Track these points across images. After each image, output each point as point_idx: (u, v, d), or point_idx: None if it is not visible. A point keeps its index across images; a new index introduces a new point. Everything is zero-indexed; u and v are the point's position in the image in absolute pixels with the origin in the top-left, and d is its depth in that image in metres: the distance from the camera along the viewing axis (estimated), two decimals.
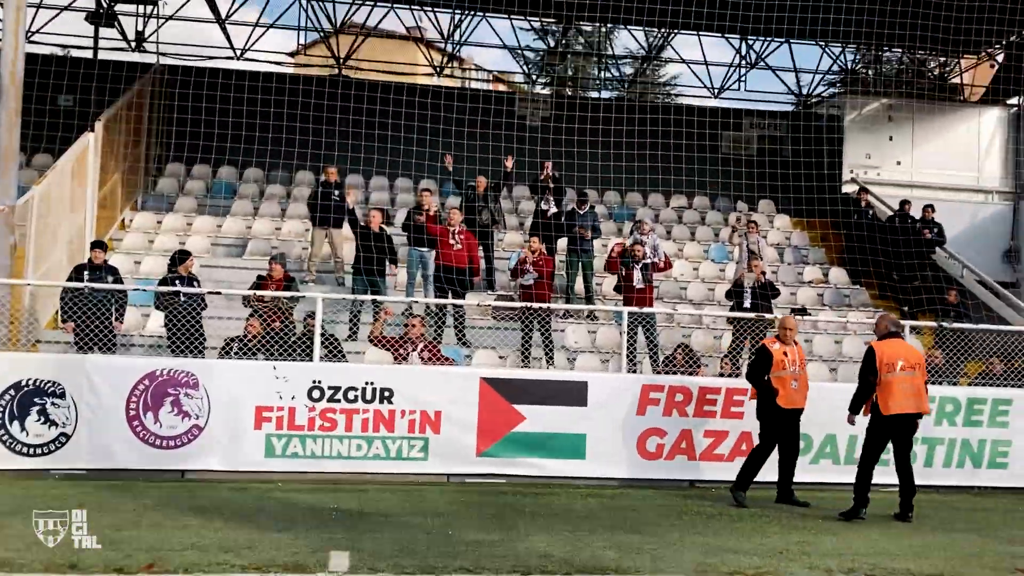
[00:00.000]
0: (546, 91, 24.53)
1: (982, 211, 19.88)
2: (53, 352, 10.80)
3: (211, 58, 19.30)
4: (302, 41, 22.02)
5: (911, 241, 16.15)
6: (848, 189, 18.84)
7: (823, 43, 20.46)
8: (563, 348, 12.99)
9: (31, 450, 8.99)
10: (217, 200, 16.52)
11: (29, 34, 15.80)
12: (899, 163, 19.80)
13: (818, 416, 9.55)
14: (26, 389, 8.99)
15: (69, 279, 11.12)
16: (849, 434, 10.03)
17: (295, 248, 15.17)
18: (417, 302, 12.18)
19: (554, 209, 14.31)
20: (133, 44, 19.24)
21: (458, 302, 12.38)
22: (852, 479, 9.68)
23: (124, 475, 9.01)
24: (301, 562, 6.02)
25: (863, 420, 8.78)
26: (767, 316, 11.77)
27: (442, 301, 12.27)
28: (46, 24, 18.65)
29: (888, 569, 6.55)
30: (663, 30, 20.24)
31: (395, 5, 19.47)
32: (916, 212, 16.83)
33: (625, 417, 9.93)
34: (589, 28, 23.82)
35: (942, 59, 21.57)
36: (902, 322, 9.91)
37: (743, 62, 20.65)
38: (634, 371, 10.99)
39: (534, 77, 25.30)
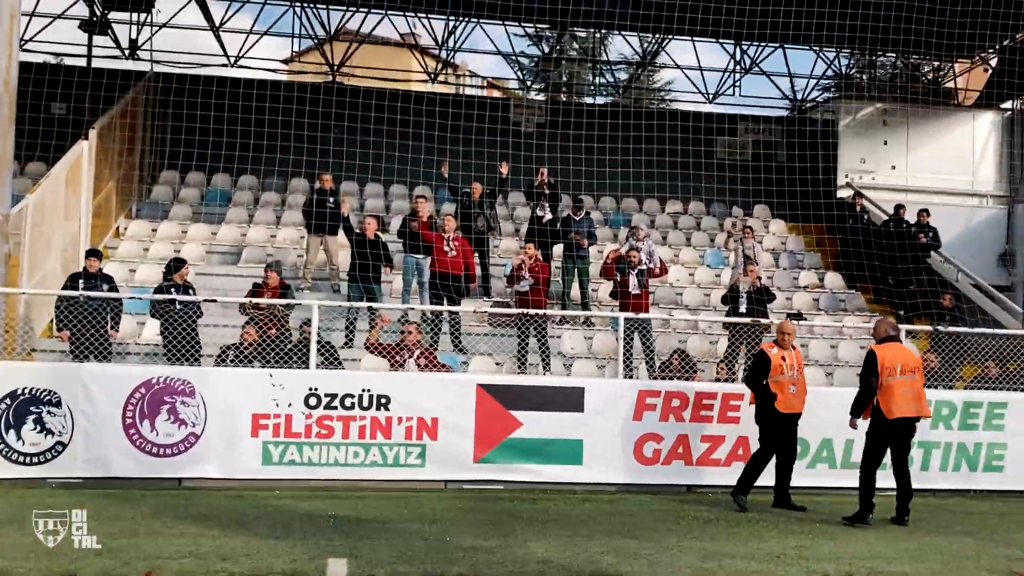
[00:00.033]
0: (541, 97, 24.56)
1: (977, 215, 19.97)
2: (49, 361, 10.78)
3: (205, 66, 19.31)
4: (296, 48, 22.02)
5: (906, 245, 16.21)
6: (843, 194, 18.91)
7: (817, 48, 20.54)
8: (559, 354, 13.00)
9: (27, 459, 8.95)
10: (212, 208, 16.50)
11: (22, 42, 15.78)
12: (894, 167, 19.88)
13: (814, 420, 9.56)
14: (22, 398, 8.96)
15: (64, 288, 11.10)
16: (845, 438, 10.04)
17: (290, 255, 15.16)
18: (413, 309, 12.18)
19: (550, 215, 14.32)
20: (127, 52, 19.24)
21: (454, 309, 12.38)
22: (849, 483, 9.71)
23: (121, 483, 8.98)
24: (299, 569, 6.00)
25: (862, 423, 8.78)
26: (763, 321, 11.79)
27: (439, 308, 12.28)
28: (39, 32, 18.66)
29: (885, 573, 6.57)
30: (657, 36, 20.30)
31: (389, 12, 19.50)
32: (911, 216, 16.90)
33: (622, 423, 9.94)
34: (583, 34, 23.84)
35: (936, 64, 21.68)
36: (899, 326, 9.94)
37: (737, 67, 20.71)
38: (630, 377, 10.99)
39: (529, 83, 25.33)
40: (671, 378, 10.98)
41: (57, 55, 19.38)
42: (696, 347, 13.61)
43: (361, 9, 19.30)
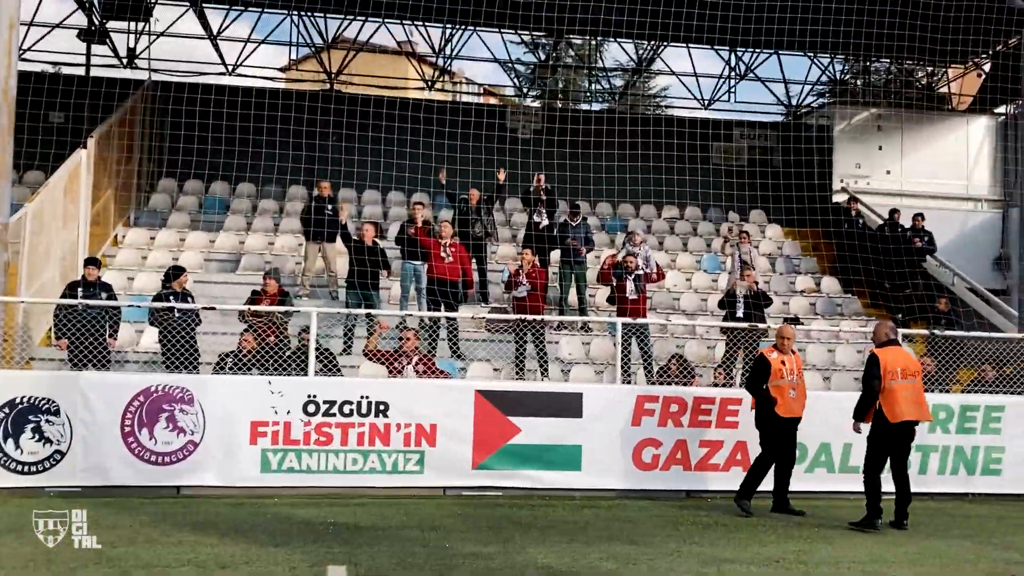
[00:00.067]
0: (537, 104, 24.65)
1: (971, 219, 20.04)
2: (47, 369, 10.80)
3: (203, 74, 19.34)
4: (294, 56, 22.11)
5: (902, 250, 16.28)
6: (839, 199, 18.97)
7: (811, 54, 20.63)
8: (557, 360, 13.02)
9: (26, 468, 8.95)
10: (210, 215, 16.52)
11: (21, 52, 15.81)
12: (889, 172, 19.96)
13: (812, 425, 9.57)
14: (20, 407, 8.96)
15: (63, 296, 11.11)
16: (843, 442, 10.07)
17: (288, 263, 15.19)
18: (411, 315, 12.19)
19: (546, 221, 14.36)
20: (125, 61, 19.28)
21: (452, 315, 12.41)
22: (847, 487, 9.75)
23: (119, 492, 8.98)
24: None
25: (865, 427, 8.79)
26: (760, 326, 11.83)
27: (437, 314, 12.30)
28: (38, 41, 18.69)
29: None
30: (652, 43, 20.38)
31: (386, 20, 19.56)
32: (906, 221, 16.97)
33: (620, 428, 9.95)
34: (579, 41, 23.96)
35: (930, 69, 21.78)
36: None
37: (732, 73, 20.81)
38: (628, 382, 11.02)
39: (525, 90, 25.42)
40: (669, 383, 11.00)
41: (55, 64, 19.41)
42: (694, 352, 13.64)
43: (358, 17, 19.35)
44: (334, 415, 9.44)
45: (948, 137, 20.27)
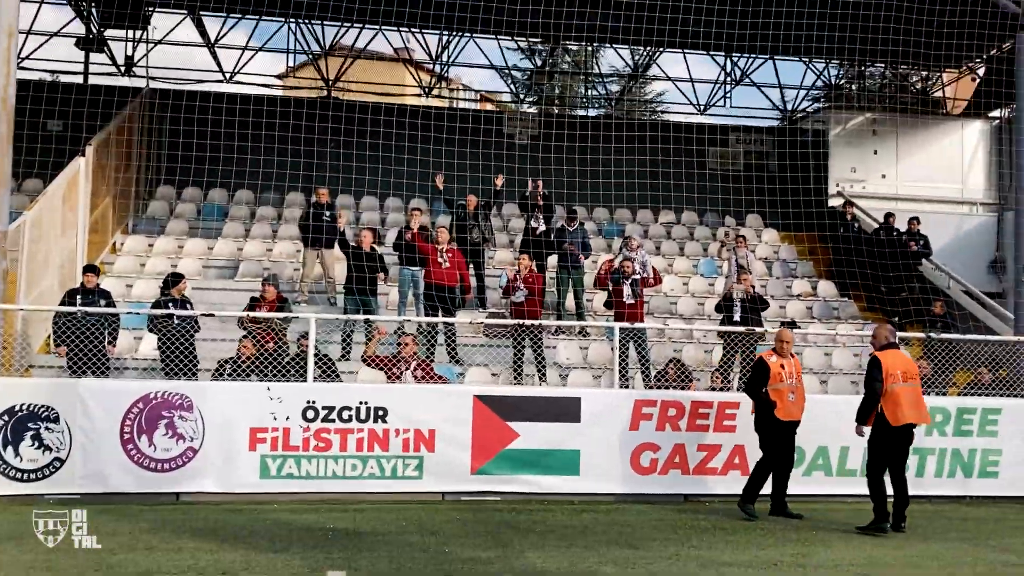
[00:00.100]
0: (534, 110, 24.71)
1: (967, 222, 20.10)
2: (46, 377, 10.79)
3: (201, 82, 19.41)
4: (291, 63, 22.15)
5: (897, 253, 16.33)
6: (834, 203, 19.02)
7: (807, 59, 20.71)
8: (555, 364, 13.05)
9: (25, 475, 8.96)
10: (208, 222, 16.54)
11: (19, 60, 15.85)
12: (884, 176, 20.02)
13: (810, 428, 9.59)
14: (19, 414, 8.97)
15: (61, 303, 11.12)
16: (841, 445, 10.11)
17: (287, 269, 15.21)
18: (409, 321, 12.23)
19: (543, 226, 14.40)
20: (123, 69, 19.32)
21: (450, 320, 12.44)
22: (844, 491, 9.79)
23: (119, 499, 8.98)
24: None
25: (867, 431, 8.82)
26: (757, 329, 11.86)
27: (435, 320, 12.33)
28: (36, 50, 18.74)
29: None
30: (648, 48, 20.44)
31: (383, 27, 19.62)
32: (901, 224, 17.01)
33: (619, 432, 9.97)
34: (576, 47, 24.02)
35: (924, 73, 21.87)
36: None
37: (728, 79, 20.88)
38: (626, 386, 11.04)
39: (522, 96, 25.49)
40: (667, 387, 11.02)
41: (53, 72, 19.44)
42: (691, 356, 13.67)
43: (355, 24, 19.42)
44: (333, 421, 9.46)
45: (943, 141, 20.34)
